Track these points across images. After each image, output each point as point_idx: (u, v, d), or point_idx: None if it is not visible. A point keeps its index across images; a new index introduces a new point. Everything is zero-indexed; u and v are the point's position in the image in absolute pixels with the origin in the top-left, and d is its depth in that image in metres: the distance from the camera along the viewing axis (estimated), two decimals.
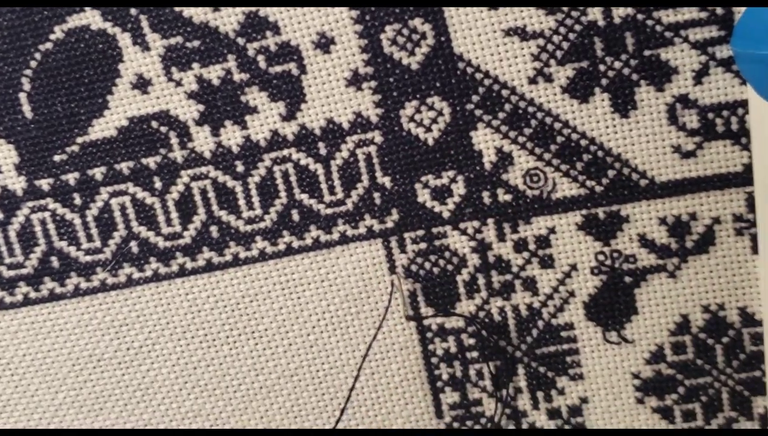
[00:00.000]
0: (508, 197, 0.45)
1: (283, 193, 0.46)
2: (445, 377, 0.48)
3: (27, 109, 0.46)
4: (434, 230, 0.46)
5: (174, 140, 0.46)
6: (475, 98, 0.44)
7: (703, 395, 0.47)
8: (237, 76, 0.45)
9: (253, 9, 0.44)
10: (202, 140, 0.46)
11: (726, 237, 0.45)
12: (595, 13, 0.42)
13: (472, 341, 0.48)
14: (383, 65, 0.44)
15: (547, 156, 0.45)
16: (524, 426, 0.49)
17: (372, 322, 0.48)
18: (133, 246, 0.48)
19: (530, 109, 0.44)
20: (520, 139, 0.44)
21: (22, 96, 0.46)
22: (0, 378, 0.50)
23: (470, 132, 0.45)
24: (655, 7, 0.42)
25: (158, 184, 0.47)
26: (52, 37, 0.45)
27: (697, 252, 0.45)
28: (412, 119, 0.45)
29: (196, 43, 0.44)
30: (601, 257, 0.46)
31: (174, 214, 0.47)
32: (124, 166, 0.47)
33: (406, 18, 0.43)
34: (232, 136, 0.46)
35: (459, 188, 0.46)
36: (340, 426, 0.49)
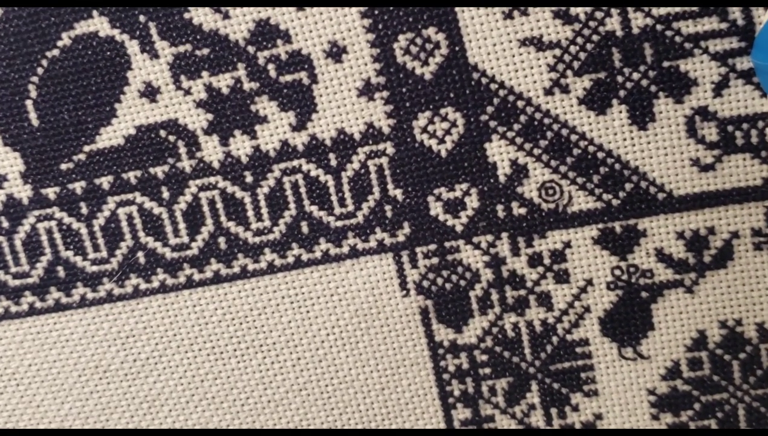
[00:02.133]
0: (522, 211, 0.45)
1: (292, 205, 0.46)
2: (456, 393, 0.48)
3: (33, 117, 0.45)
4: (447, 244, 0.45)
5: (182, 150, 0.45)
6: (489, 109, 0.43)
7: (719, 412, 0.46)
8: (247, 85, 0.44)
9: (264, 17, 0.43)
10: (211, 150, 0.45)
11: (744, 252, 0.44)
12: (613, 24, 0.41)
13: (484, 357, 0.47)
14: (396, 75, 0.43)
15: (563, 169, 0.44)
16: None
17: (382, 337, 0.47)
18: (140, 257, 0.47)
19: (546, 120, 0.43)
20: (536, 151, 0.44)
21: (29, 103, 0.45)
22: (5, 388, 0.50)
23: (484, 144, 0.44)
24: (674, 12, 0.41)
25: (166, 194, 0.46)
26: (59, 43, 0.44)
27: (715, 267, 0.44)
28: (424, 130, 0.44)
29: (205, 51, 0.44)
30: (617, 272, 0.45)
31: (182, 225, 0.46)
32: (132, 176, 0.46)
33: (420, 27, 0.43)
34: (241, 145, 0.45)
35: (472, 201, 0.45)
36: None
